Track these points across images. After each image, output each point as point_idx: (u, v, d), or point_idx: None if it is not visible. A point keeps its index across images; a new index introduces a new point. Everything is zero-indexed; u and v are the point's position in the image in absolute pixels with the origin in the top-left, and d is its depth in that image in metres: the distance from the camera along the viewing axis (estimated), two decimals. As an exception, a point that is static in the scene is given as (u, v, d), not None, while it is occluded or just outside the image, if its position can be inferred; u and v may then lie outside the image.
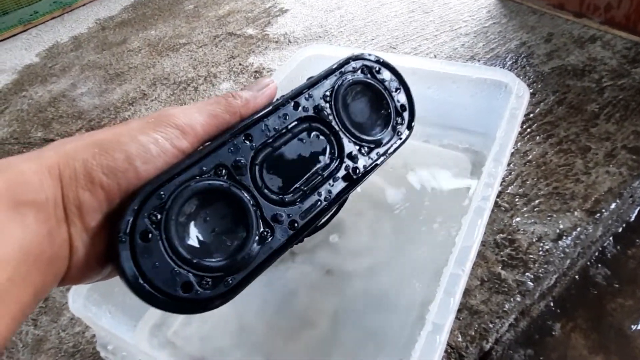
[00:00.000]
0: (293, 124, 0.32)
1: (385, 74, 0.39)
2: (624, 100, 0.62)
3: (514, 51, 0.75)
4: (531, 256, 0.46)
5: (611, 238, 0.56)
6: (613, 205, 0.50)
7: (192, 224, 0.27)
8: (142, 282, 0.24)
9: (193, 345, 0.43)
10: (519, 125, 0.44)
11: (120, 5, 1.23)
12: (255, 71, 0.82)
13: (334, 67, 0.36)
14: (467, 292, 0.44)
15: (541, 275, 0.45)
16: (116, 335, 0.33)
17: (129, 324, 0.42)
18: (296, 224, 0.31)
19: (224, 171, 0.28)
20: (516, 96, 0.46)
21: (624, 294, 0.52)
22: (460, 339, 0.41)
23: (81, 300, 0.35)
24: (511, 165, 0.56)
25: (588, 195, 0.51)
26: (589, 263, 0.54)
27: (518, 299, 0.43)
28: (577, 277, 0.53)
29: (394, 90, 0.39)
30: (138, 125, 0.23)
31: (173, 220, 0.25)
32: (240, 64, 0.85)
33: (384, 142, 0.37)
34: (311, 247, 0.48)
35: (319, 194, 0.33)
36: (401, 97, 0.40)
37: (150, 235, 0.24)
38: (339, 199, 0.33)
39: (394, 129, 0.38)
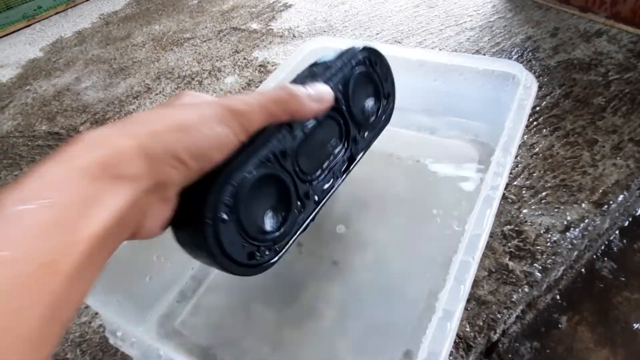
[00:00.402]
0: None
1: (380, 65, 0.44)
2: (631, 93, 0.62)
3: (519, 45, 0.74)
4: (539, 247, 0.46)
5: (617, 232, 0.56)
6: (620, 197, 0.50)
7: (252, 205, 0.32)
8: (222, 255, 0.30)
9: (201, 335, 0.43)
10: (527, 116, 0.44)
11: (124, 0, 1.23)
12: (260, 65, 0.82)
13: (345, 58, 0.40)
14: (475, 283, 0.44)
15: (549, 266, 0.45)
16: (124, 324, 0.33)
17: (137, 314, 0.42)
18: (317, 199, 0.37)
19: (273, 158, 0.33)
20: (524, 87, 0.46)
21: (630, 288, 0.52)
22: (468, 329, 0.41)
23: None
24: (518, 157, 0.56)
25: (595, 187, 0.51)
26: (595, 256, 0.54)
27: (526, 289, 0.43)
28: (583, 270, 0.53)
29: (384, 80, 0.45)
30: (212, 115, 0.27)
31: (241, 204, 0.30)
32: (244, 58, 0.85)
33: (375, 125, 0.44)
34: (318, 238, 0.48)
35: (333, 173, 0.39)
36: (388, 86, 0.46)
37: (226, 217, 0.30)
38: (345, 176, 0.40)
39: (382, 113, 0.45)
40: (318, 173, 0.38)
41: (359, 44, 0.42)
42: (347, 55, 0.40)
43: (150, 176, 0.24)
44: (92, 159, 0.22)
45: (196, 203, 0.29)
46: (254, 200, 0.32)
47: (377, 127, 0.44)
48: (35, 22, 1.21)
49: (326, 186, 0.39)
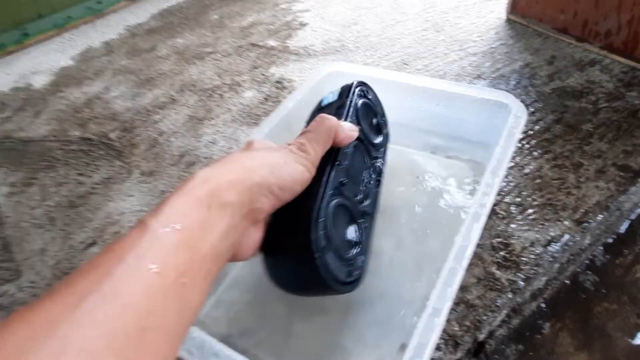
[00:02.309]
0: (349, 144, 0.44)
1: (371, 92, 0.54)
2: (617, 121, 0.68)
3: (518, 72, 0.80)
4: (523, 259, 0.52)
5: (601, 247, 0.61)
6: (600, 217, 0.55)
7: (337, 232, 0.38)
8: (333, 280, 0.36)
9: (221, 325, 0.48)
10: (516, 142, 0.49)
11: (148, 13, 1.30)
12: (277, 81, 0.88)
13: (347, 94, 0.49)
14: (464, 288, 0.49)
15: (531, 276, 0.50)
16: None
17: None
18: (370, 211, 0.45)
19: (336, 190, 0.40)
20: (514, 116, 0.51)
21: (610, 299, 0.57)
22: (456, 329, 0.46)
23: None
24: (509, 177, 0.61)
25: (577, 206, 0.56)
26: (579, 269, 0.59)
27: (509, 295, 0.49)
28: (567, 281, 0.58)
29: (376, 104, 0.54)
30: (291, 157, 0.35)
31: (331, 232, 0.37)
32: (262, 74, 0.92)
33: (382, 142, 0.52)
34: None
35: (374, 187, 0.47)
36: (379, 108, 0.55)
37: (325, 246, 0.35)
38: (380, 188, 0.48)
39: (384, 130, 0.54)
40: (366, 191, 0.45)
41: (356, 81, 0.52)
42: (347, 91, 0.49)
43: (246, 203, 0.30)
44: (205, 190, 0.28)
45: (300, 243, 0.35)
46: (335, 227, 0.38)
47: (384, 143, 0.53)
48: (65, 32, 1.28)
49: (375, 200, 0.46)
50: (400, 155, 0.63)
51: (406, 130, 0.64)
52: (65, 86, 1.01)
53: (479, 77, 0.80)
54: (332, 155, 0.41)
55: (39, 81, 1.05)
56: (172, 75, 0.97)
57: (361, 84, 0.52)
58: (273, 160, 0.33)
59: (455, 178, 0.59)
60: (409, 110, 0.62)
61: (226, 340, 0.47)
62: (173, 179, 0.71)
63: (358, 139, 0.46)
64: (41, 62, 1.13)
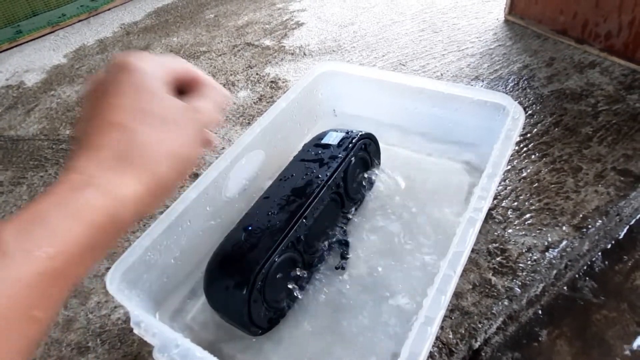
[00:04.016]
0: (326, 199, 0.47)
1: (372, 145, 0.55)
2: (617, 124, 0.66)
3: (516, 73, 0.79)
4: (520, 265, 0.50)
5: (600, 253, 0.59)
6: (599, 222, 0.54)
7: (273, 283, 0.42)
8: (251, 325, 0.41)
9: (208, 330, 0.47)
10: (514, 145, 0.48)
11: (143, 12, 1.28)
12: (271, 81, 0.87)
13: (347, 147, 0.50)
14: (459, 295, 0.48)
15: (528, 282, 0.49)
16: (146, 316, 0.38)
17: (154, 309, 0.46)
18: (317, 263, 0.49)
19: (290, 245, 0.43)
20: (512, 118, 0.50)
21: (609, 306, 0.56)
22: (451, 336, 0.45)
23: (116, 283, 0.40)
24: (507, 181, 0.60)
25: (576, 211, 0.55)
26: (577, 276, 0.58)
27: (506, 303, 0.47)
28: (565, 288, 0.57)
29: (374, 154, 0.56)
30: (197, 138, 0.29)
31: (267, 285, 0.41)
32: (257, 74, 0.90)
33: (362, 197, 0.55)
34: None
35: (330, 247, 0.50)
36: (376, 157, 0.56)
37: (256, 299, 0.41)
38: (337, 245, 0.52)
39: (369, 184, 0.56)
40: (321, 244, 0.48)
41: (358, 130, 0.53)
42: (348, 142, 0.51)
43: (145, 207, 0.26)
44: (103, 212, 0.23)
45: (236, 288, 0.40)
46: (274, 278, 0.42)
47: (363, 197, 0.56)
48: (59, 29, 1.26)
49: (321, 258, 0.49)
50: (395, 157, 0.61)
51: (401, 132, 0.63)
52: (57, 84, 0.99)
53: (476, 78, 0.79)
54: (300, 210, 0.44)
55: (31, 79, 1.03)
56: (165, 74, 0.96)
57: (366, 136, 0.53)
58: (182, 150, 0.27)
59: (451, 182, 0.57)
60: (405, 111, 0.61)
61: (213, 346, 0.46)
62: (164, 180, 0.69)
63: (336, 193, 0.50)
64: (34, 60, 1.11)
